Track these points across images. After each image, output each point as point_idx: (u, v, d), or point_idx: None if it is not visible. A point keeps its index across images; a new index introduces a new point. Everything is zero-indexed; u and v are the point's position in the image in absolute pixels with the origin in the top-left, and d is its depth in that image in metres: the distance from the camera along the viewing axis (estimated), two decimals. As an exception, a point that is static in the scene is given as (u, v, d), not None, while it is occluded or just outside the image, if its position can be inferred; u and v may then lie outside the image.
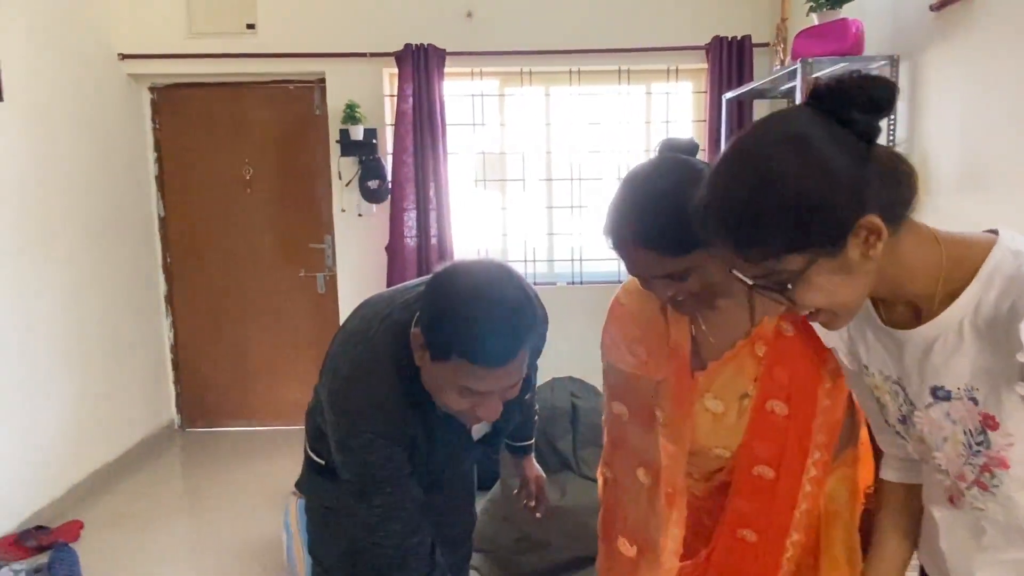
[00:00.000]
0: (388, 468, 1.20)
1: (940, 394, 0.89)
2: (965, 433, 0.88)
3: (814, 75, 2.78)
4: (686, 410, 1.18)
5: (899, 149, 2.71)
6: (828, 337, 1.07)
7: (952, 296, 0.86)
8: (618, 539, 1.29)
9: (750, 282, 0.86)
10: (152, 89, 4.19)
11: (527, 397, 1.43)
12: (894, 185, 0.83)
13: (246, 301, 4.34)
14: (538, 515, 1.71)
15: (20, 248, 3.11)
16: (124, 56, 3.93)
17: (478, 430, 1.35)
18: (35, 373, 3.18)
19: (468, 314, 1.04)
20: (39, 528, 2.98)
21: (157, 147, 4.24)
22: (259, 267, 4.31)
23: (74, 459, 3.42)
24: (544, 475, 1.72)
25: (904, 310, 0.93)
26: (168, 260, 4.34)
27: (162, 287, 4.34)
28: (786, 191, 0.79)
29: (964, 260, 0.86)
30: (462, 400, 1.10)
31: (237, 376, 4.39)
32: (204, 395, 4.43)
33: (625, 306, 1.26)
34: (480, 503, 2.45)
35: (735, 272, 0.87)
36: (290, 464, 3.75)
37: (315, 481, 1.45)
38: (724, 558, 1.23)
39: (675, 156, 1.09)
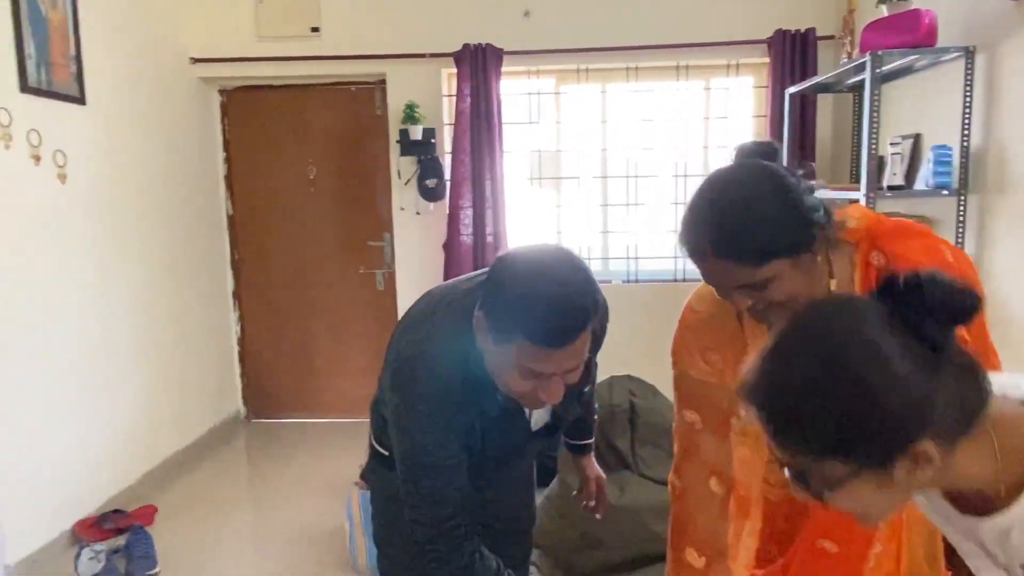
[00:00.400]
0: (439, 453, 1.22)
1: None
2: None
3: (883, 67, 2.69)
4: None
5: (975, 145, 2.61)
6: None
7: (1019, 486, 0.76)
8: (686, 549, 1.28)
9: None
10: (222, 92, 4.35)
11: (587, 389, 1.42)
12: (959, 403, 0.74)
13: (308, 296, 4.47)
14: (598, 516, 1.71)
15: (98, 245, 3.28)
16: (195, 60, 4.09)
17: (537, 420, 1.35)
18: (112, 365, 3.36)
19: (530, 295, 1.05)
20: (116, 512, 3.14)
21: (226, 148, 4.41)
22: (321, 264, 4.43)
23: (148, 447, 3.60)
24: (604, 476, 1.72)
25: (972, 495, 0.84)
26: (236, 257, 4.50)
27: (230, 283, 4.51)
28: (847, 400, 0.72)
29: (1018, 452, 0.76)
30: (524, 382, 1.11)
31: (299, 369, 4.53)
32: (268, 387, 4.58)
33: (698, 312, 1.24)
34: (538, 500, 2.48)
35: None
36: (349, 456, 3.87)
37: (380, 472, 1.49)
38: (803, 569, 1.20)
39: (754, 162, 1.06)
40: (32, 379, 2.84)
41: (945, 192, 2.70)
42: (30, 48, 2.82)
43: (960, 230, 2.71)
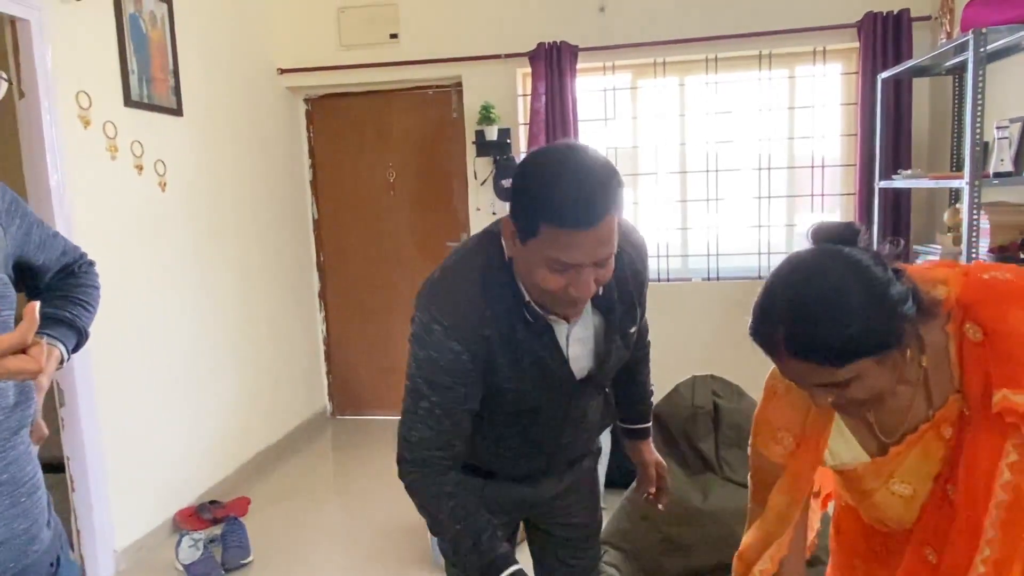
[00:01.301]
0: (448, 374, 1.17)
1: None
2: None
3: (988, 46, 2.51)
4: (795, 497, 1.15)
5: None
6: None
7: None
8: None
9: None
10: (307, 100, 4.52)
11: (632, 331, 1.32)
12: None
13: (390, 297, 4.58)
14: (660, 506, 1.62)
15: (197, 250, 3.46)
16: (283, 71, 4.26)
17: (578, 361, 1.26)
18: (210, 364, 3.54)
19: (551, 179, 1.06)
20: (213, 503, 3.31)
21: (311, 154, 4.57)
22: (401, 264, 4.53)
23: (242, 441, 3.78)
24: (664, 462, 1.62)
25: None
26: (321, 259, 4.66)
27: (316, 284, 4.67)
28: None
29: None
30: (555, 277, 1.08)
31: (381, 368, 4.64)
32: (352, 385, 4.72)
33: (779, 382, 1.17)
34: (618, 502, 2.45)
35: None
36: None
37: None
38: None
39: (835, 249, 0.99)
40: (136, 377, 3.03)
41: (1060, 178, 2.49)
42: (133, 64, 3.01)
43: (1078, 219, 2.50)
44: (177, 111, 3.32)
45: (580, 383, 1.28)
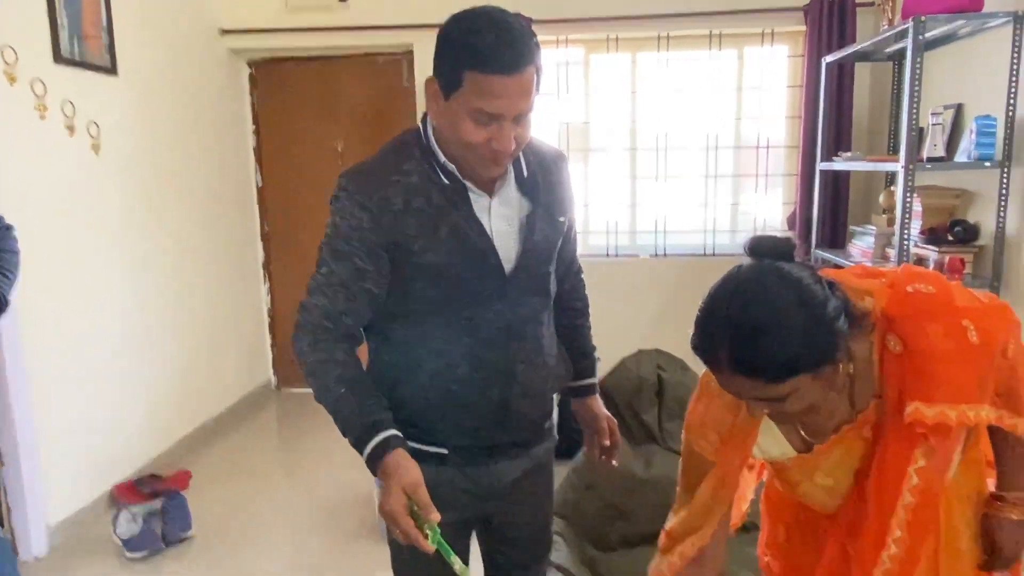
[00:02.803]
0: (347, 241, 1.19)
1: None
2: None
3: (927, 34, 2.60)
4: (721, 497, 1.19)
5: (1020, 115, 2.51)
6: None
7: None
8: None
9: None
10: (251, 63, 4.36)
11: (562, 220, 1.33)
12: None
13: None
14: (615, 463, 1.56)
15: (133, 215, 3.33)
16: (225, 31, 4.10)
17: (505, 252, 1.24)
18: (148, 334, 3.43)
19: (474, 29, 1.10)
20: (153, 476, 3.23)
21: (255, 120, 4.43)
22: (349, 236, 4.44)
23: (183, 413, 3.69)
24: (614, 418, 1.58)
25: None
26: (265, 228, 4.55)
27: (260, 254, 4.56)
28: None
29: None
30: (477, 130, 1.13)
31: (328, 340, 4.58)
32: (298, 358, 4.65)
33: (712, 385, 1.19)
34: (564, 472, 2.49)
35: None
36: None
37: None
38: (830, 568, 1.23)
39: (774, 267, 1.00)
40: (70, 347, 2.91)
41: (988, 164, 2.61)
42: (63, 18, 2.85)
43: (1002, 203, 2.63)
44: (111, 70, 3.16)
45: (515, 278, 1.26)
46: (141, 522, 2.78)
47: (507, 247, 1.26)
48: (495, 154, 1.16)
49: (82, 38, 2.97)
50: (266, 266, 4.58)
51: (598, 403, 1.57)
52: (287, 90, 4.37)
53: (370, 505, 2.98)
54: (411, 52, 4.11)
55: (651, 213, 4.18)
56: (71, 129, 2.91)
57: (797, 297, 0.96)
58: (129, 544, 2.73)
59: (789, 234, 3.91)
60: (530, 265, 1.29)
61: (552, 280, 1.37)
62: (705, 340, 1.01)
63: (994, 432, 1.18)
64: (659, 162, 4.13)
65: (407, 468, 1.15)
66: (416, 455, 1.23)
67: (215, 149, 4.04)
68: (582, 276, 1.56)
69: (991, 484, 1.26)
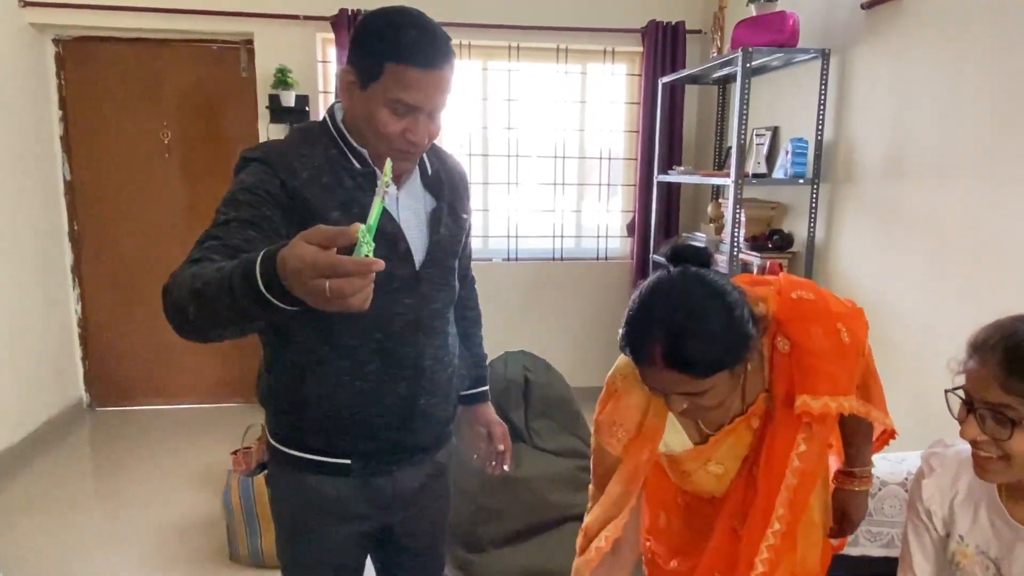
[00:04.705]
0: (249, 190, 1.13)
1: None
2: None
3: (752, 63, 2.90)
4: (630, 488, 1.25)
5: (827, 139, 2.87)
6: (930, 501, 1.22)
7: None
8: None
9: None
10: (57, 41, 3.85)
11: (464, 217, 1.37)
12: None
13: (162, 273, 4.03)
14: (506, 467, 1.59)
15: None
16: (26, 3, 3.58)
17: (414, 242, 1.24)
18: (-71, 348, 2.90)
19: (398, 23, 1.13)
20: (-63, 516, 2.74)
21: (62, 105, 3.91)
22: (178, 236, 4.07)
23: (-27, 441, 3.16)
24: (505, 424, 1.62)
25: None
26: (75, 227, 4.03)
27: (68, 256, 4.03)
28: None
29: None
30: (393, 120, 1.14)
31: (152, 352, 4.15)
32: (115, 372, 4.16)
33: (620, 388, 1.26)
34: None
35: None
36: (213, 443, 3.65)
37: (282, 473, 1.34)
38: (718, 550, 1.31)
39: (698, 274, 1.10)
40: None
41: (801, 181, 2.97)
42: None
43: (812, 215, 3.00)
44: None
45: (426, 271, 1.26)
46: (-74, 573, 2.35)
47: (415, 239, 1.27)
48: (408, 145, 1.18)
49: None
50: (75, 269, 4.06)
51: (490, 409, 1.60)
52: (103, 73, 3.91)
53: (204, 528, 2.74)
54: (251, 41, 3.85)
55: (503, 218, 4.26)
56: None
57: (722, 302, 1.06)
58: (-90, 601, 2.29)
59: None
60: (438, 259, 1.30)
61: (456, 278, 1.39)
62: (639, 337, 1.08)
63: (847, 417, 1.34)
64: (510, 169, 4.23)
65: (290, 244, 0.85)
66: (318, 468, 1.18)
67: (10, 136, 3.51)
68: (475, 286, 1.60)
69: (833, 463, 1.44)
